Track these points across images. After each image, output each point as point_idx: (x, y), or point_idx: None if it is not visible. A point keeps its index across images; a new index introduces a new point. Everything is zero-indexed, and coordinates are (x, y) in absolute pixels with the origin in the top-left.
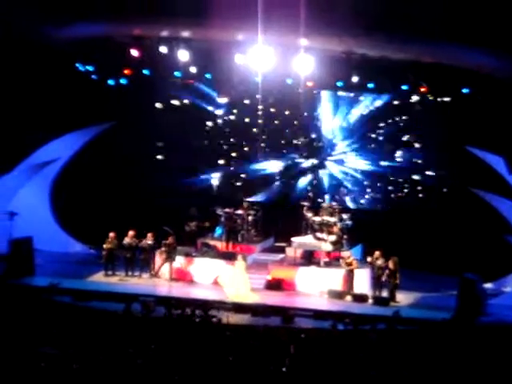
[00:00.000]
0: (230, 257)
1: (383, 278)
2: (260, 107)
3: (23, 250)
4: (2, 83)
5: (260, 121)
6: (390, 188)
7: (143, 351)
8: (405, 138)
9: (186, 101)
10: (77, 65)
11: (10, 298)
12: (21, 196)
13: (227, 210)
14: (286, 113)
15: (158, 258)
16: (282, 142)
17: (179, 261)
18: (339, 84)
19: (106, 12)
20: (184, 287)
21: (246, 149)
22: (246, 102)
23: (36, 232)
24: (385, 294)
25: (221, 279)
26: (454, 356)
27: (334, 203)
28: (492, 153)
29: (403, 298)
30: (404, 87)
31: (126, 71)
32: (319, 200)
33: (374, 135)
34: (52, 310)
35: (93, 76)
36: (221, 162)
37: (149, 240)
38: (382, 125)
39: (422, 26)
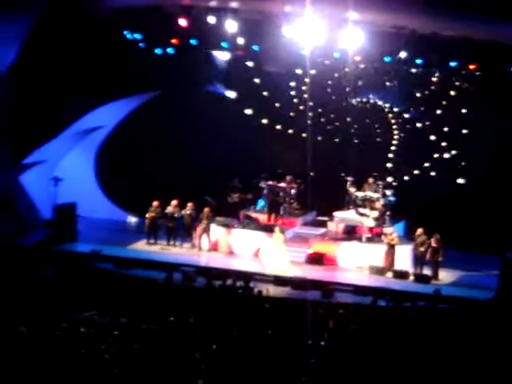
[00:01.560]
0: (270, 229)
1: (425, 256)
2: (307, 80)
3: (67, 216)
4: (53, 50)
5: (306, 95)
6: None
7: (184, 320)
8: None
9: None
10: (125, 33)
11: (54, 262)
12: (66, 162)
13: (270, 182)
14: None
15: (198, 228)
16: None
17: (219, 232)
18: (387, 59)
19: None
20: (225, 258)
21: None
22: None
23: (80, 198)
24: (426, 271)
25: (261, 252)
26: (494, 335)
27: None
28: None
29: (445, 276)
30: (453, 64)
31: (173, 40)
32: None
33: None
34: (93, 276)
35: (140, 44)
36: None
37: (189, 210)
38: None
39: (473, 3)
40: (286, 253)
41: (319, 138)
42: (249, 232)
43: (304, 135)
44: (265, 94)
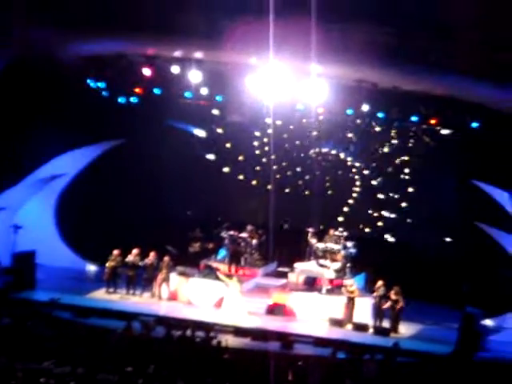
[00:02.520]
0: (231, 278)
1: (385, 308)
2: (270, 131)
3: (26, 264)
4: (14, 97)
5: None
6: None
7: (143, 371)
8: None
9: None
10: (88, 81)
11: (11, 311)
12: (26, 210)
13: (231, 232)
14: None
15: (158, 277)
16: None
17: (179, 281)
18: (349, 112)
19: (120, 30)
20: (184, 308)
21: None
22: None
23: (40, 246)
24: (386, 324)
25: (222, 302)
26: None
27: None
28: (499, 188)
29: (405, 328)
30: (414, 118)
31: (137, 90)
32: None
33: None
34: (51, 324)
35: (104, 93)
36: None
37: (151, 259)
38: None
39: (433, 59)
40: (243, 303)
41: (282, 189)
42: (209, 282)
43: (267, 186)
44: (227, 145)
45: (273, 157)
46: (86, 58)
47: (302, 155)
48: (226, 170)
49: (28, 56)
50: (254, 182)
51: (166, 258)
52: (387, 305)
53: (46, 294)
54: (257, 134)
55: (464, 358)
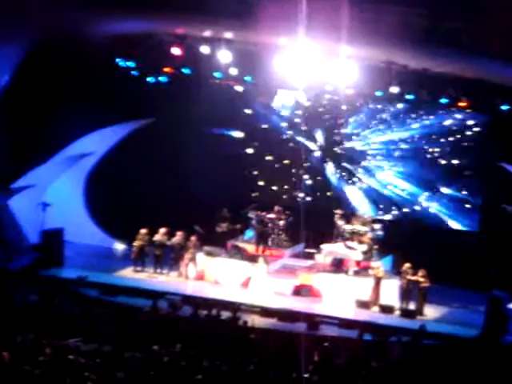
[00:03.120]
0: (257, 260)
1: (411, 290)
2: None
3: (54, 241)
4: (45, 75)
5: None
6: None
7: (169, 349)
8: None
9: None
10: (118, 60)
11: (39, 288)
12: (55, 187)
13: (259, 213)
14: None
15: (185, 257)
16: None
17: (204, 261)
18: (378, 93)
19: (150, 9)
20: (211, 288)
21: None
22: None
23: (68, 224)
24: (412, 306)
25: (249, 281)
26: (477, 374)
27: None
28: None
29: (431, 311)
30: (443, 101)
31: (166, 69)
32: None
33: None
34: (79, 302)
35: (133, 72)
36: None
37: (178, 238)
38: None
39: (465, 42)
40: (269, 283)
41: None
42: (235, 262)
43: (295, 167)
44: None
45: (302, 139)
46: (114, 37)
47: (334, 135)
48: (251, 150)
49: (56, 36)
50: (285, 162)
51: (193, 238)
52: (413, 287)
53: (74, 271)
54: (285, 113)
55: (490, 341)
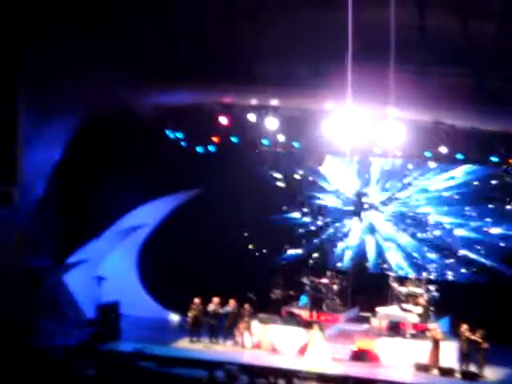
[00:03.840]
0: (312, 327)
1: (471, 352)
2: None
3: (110, 315)
4: (97, 149)
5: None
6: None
7: None
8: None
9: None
10: (167, 132)
11: (96, 362)
12: (109, 261)
13: (312, 278)
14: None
15: (240, 325)
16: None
17: (260, 329)
18: (427, 154)
19: (198, 80)
20: (267, 356)
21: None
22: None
23: (123, 297)
24: (473, 368)
25: (306, 348)
26: None
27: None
28: None
29: (492, 373)
30: (494, 159)
31: (214, 138)
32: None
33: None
34: (136, 375)
35: (182, 143)
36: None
37: (232, 306)
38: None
39: (510, 98)
40: (326, 349)
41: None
42: (291, 328)
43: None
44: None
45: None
46: (163, 108)
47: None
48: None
49: (107, 110)
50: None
51: (247, 306)
52: (473, 348)
53: (130, 344)
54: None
55: None
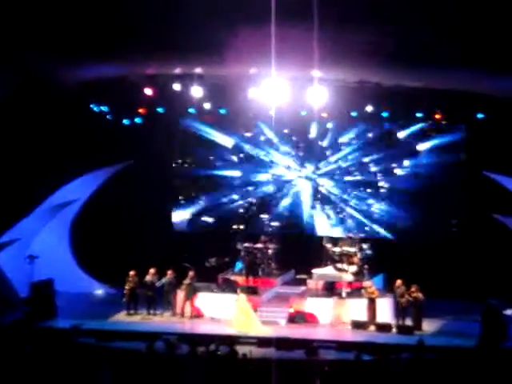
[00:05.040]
0: (250, 291)
1: (406, 307)
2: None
3: (44, 293)
4: (20, 127)
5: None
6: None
7: None
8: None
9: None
10: (91, 106)
11: (34, 340)
12: (40, 238)
13: (246, 244)
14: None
15: (180, 295)
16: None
17: (197, 298)
18: (354, 114)
19: (119, 52)
20: (207, 324)
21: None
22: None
23: (57, 274)
24: (408, 322)
25: (232, 315)
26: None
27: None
28: (510, 176)
29: (427, 325)
30: (419, 114)
31: (140, 110)
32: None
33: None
34: (75, 351)
35: (108, 116)
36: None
37: (169, 277)
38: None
39: (435, 54)
40: (252, 313)
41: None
42: (228, 296)
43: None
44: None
45: (283, 166)
46: (86, 83)
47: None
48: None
49: (29, 84)
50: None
51: (188, 275)
52: (409, 303)
53: (67, 321)
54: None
55: (490, 349)
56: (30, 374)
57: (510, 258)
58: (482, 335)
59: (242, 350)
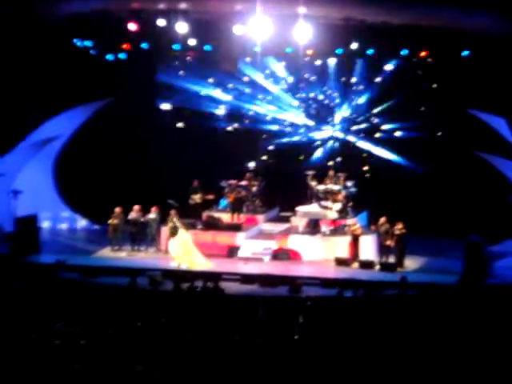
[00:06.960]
0: (234, 228)
1: (390, 244)
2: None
3: (29, 228)
4: (2, 62)
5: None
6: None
7: (153, 324)
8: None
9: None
10: (75, 41)
11: (19, 275)
12: (24, 174)
13: (231, 181)
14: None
15: (164, 232)
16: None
17: (183, 234)
18: (338, 51)
19: None
20: None
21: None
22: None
23: (41, 209)
24: (391, 259)
25: (173, 250)
26: (462, 319)
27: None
28: (494, 115)
29: (410, 263)
30: (404, 52)
31: (124, 45)
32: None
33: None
34: (60, 286)
35: (91, 51)
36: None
37: (153, 214)
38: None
39: None
40: (247, 249)
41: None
42: (213, 232)
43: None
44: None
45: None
46: (69, 17)
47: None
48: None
49: (11, 17)
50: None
51: (171, 212)
52: (391, 240)
53: (52, 256)
54: (246, 79)
55: (472, 285)
56: (18, 307)
57: (493, 195)
58: (465, 272)
59: (225, 286)
